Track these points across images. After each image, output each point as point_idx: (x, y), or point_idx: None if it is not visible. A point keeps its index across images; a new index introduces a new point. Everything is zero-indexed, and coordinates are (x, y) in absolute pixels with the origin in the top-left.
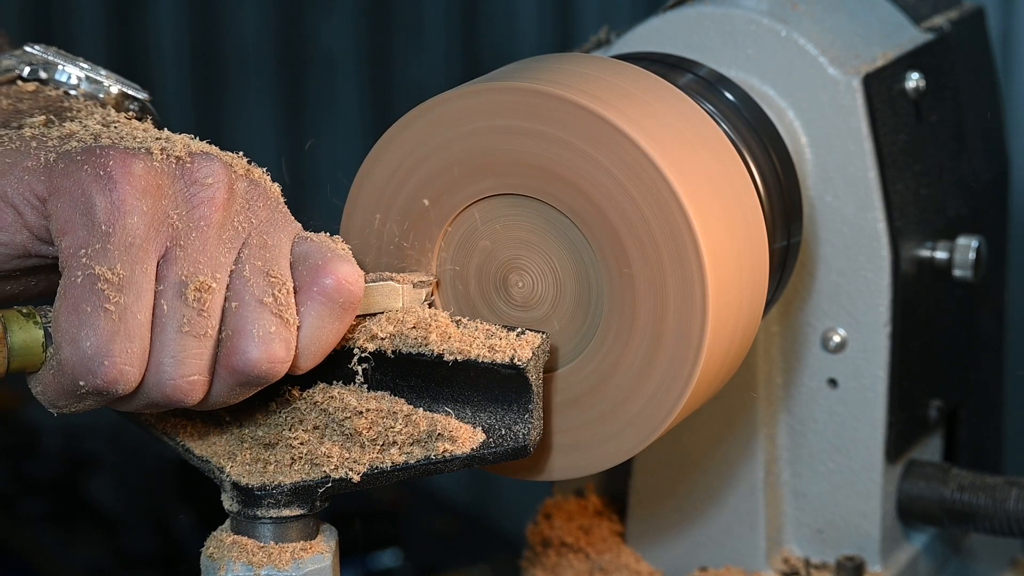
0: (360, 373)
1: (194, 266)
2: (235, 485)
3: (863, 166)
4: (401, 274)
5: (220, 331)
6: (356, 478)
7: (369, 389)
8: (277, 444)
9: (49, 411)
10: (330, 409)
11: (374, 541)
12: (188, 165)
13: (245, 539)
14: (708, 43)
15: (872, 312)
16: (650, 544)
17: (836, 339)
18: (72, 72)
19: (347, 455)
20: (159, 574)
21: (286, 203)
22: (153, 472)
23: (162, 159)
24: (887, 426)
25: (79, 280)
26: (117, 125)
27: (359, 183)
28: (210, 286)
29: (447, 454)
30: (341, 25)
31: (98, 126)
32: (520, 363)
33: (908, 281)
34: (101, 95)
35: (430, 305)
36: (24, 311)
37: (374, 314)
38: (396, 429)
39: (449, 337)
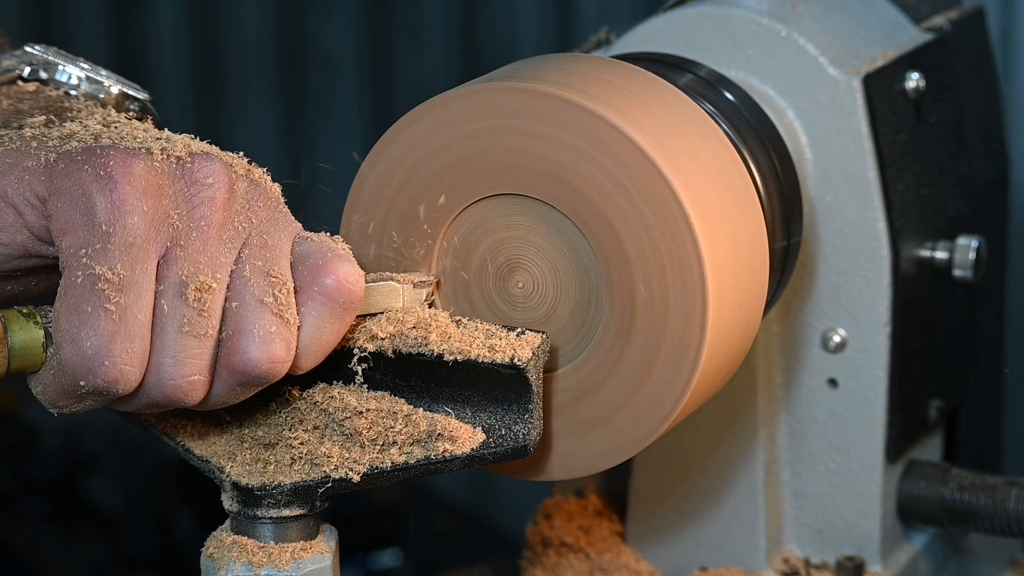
0: (360, 373)
1: (194, 266)
2: (235, 485)
3: (863, 166)
4: (401, 274)
5: (220, 331)
6: (356, 478)
7: (369, 389)
8: (277, 444)
9: (49, 411)
10: (330, 409)
11: (374, 541)
12: (188, 165)
13: (245, 539)
14: (708, 43)
15: (872, 312)
16: (650, 544)
17: (836, 339)
18: (72, 72)
19: (347, 455)
20: (159, 574)
21: (286, 203)
22: (153, 472)
23: (162, 159)
24: (887, 426)
25: (79, 280)
26: (117, 125)
27: (359, 183)
28: (210, 286)
29: (447, 454)
30: (341, 25)
31: (98, 126)
32: (520, 363)
33: (908, 281)
34: (101, 95)
35: (430, 305)
36: (24, 311)
37: (374, 314)
38: (396, 429)
39: (449, 337)
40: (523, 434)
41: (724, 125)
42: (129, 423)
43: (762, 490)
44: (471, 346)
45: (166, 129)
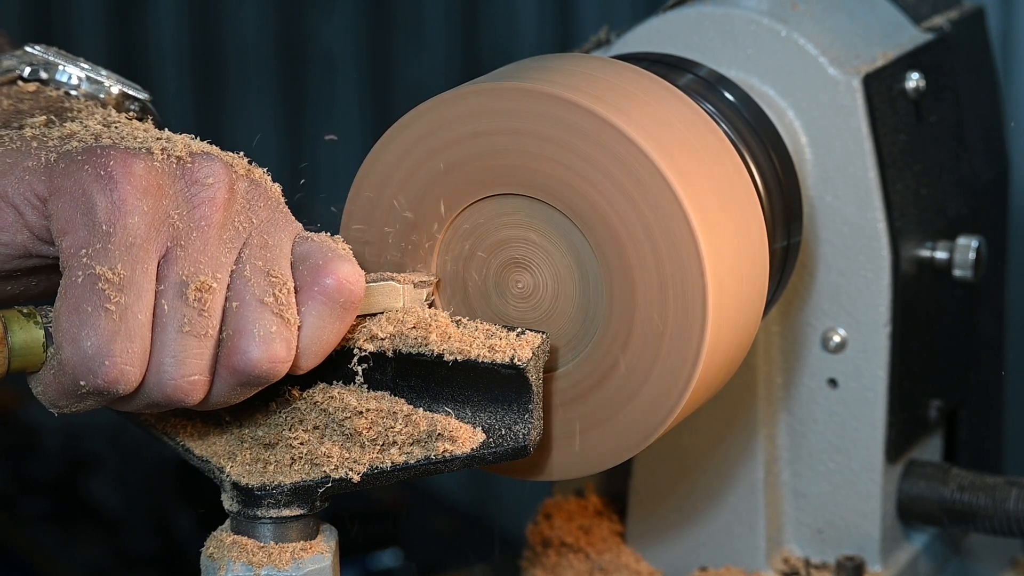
0: (360, 373)
1: (195, 266)
2: (235, 485)
3: (863, 166)
4: (402, 274)
5: (221, 331)
6: (356, 478)
7: (369, 389)
8: (277, 444)
9: (49, 411)
10: (330, 409)
11: (374, 541)
12: (189, 165)
13: (245, 539)
14: (708, 43)
15: (872, 312)
16: (650, 544)
17: (836, 339)
18: (73, 72)
19: (347, 455)
20: (159, 574)
21: (286, 203)
22: (153, 472)
23: (163, 159)
24: (887, 426)
25: (80, 280)
26: (118, 125)
27: (359, 183)
28: (211, 286)
29: (447, 454)
30: (341, 25)
31: (99, 126)
32: (520, 363)
33: (908, 281)
34: (102, 95)
35: (430, 305)
36: (25, 311)
37: (375, 314)
38: (396, 429)
39: (449, 337)
40: (523, 434)
41: (724, 125)
42: (129, 423)
43: (762, 490)
44: (471, 346)
45: (166, 129)
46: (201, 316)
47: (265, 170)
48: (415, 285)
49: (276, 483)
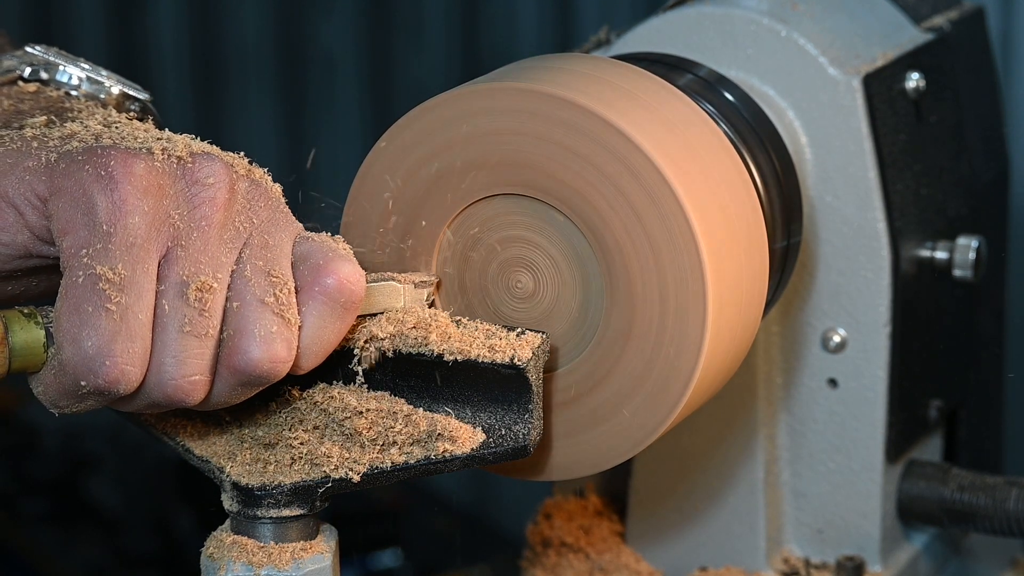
0: (360, 373)
1: (195, 266)
2: (235, 485)
3: (863, 166)
4: (402, 274)
5: (221, 331)
6: (356, 478)
7: (369, 389)
8: (277, 444)
9: (50, 411)
10: (330, 409)
11: (374, 541)
12: (189, 165)
13: (245, 539)
14: (708, 43)
15: (872, 312)
16: (650, 544)
17: (836, 339)
18: (73, 73)
19: (347, 455)
20: (159, 574)
21: (287, 203)
22: (153, 472)
23: (163, 159)
24: (887, 426)
25: (80, 280)
26: (118, 125)
27: (359, 183)
28: (211, 286)
29: (447, 454)
30: (341, 25)
31: (99, 126)
32: (520, 363)
33: (908, 281)
34: (102, 96)
35: (431, 305)
36: (25, 311)
37: (375, 314)
38: (396, 429)
39: (449, 337)
40: (523, 434)
41: (724, 125)
42: (129, 423)
43: (762, 490)
44: (471, 346)
45: (167, 130)
46: (202, 316)
47: (266, 170)
48: (416, 285)
49: (276, 483)
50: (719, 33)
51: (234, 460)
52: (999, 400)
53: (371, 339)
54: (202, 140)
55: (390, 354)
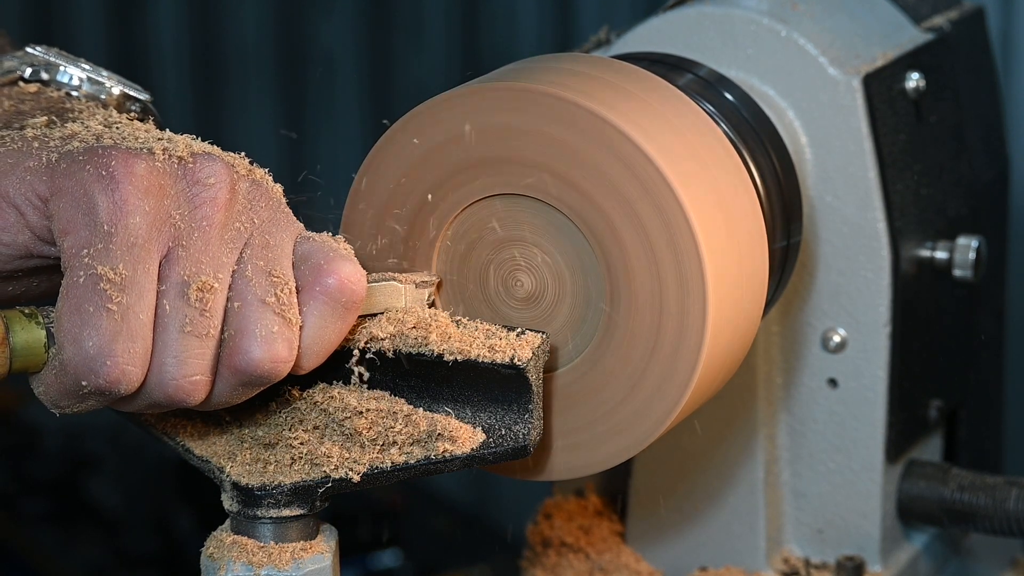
0: (360, 373)
1: (196, 266)
2: (235, 485)
3: (863, 166)
4: (403, 274)
5: (222, 331)
6: (356, 478)
7: (369, 389)
8: (277, 444)
9: (51, 411)
10: (330, 409)
11: (374, 541)
12: (190, 165)
13: (245, 539)
14: (708, 43)
15: (872, 312)
16: (650, 544)
17: (836, 339)
18: (74, 73)
19: (347, 455)
20: (159, 574)
21: (288, 203)
22: (153, 472)
23: (164, 159)
24: (887, 426)
25: (81, 280)
26: (119, 126)
27: (359, 183)
28: (212, 286)
29: (447, 454)
30: (341, 25)
31: (100, 127)
32: (520, 363)
33: (908, 281)
34: (103, 96)
35: (431, 305)
36: (26, 311)
37: (376, 314)
38: (396, 429)
39: (449, 337)
40: (523, 434)
41: (724, 125)
42: (129, 423)
43: (762, 490)
44: (471, 346)
45: (167, 130)
46: (203, 316)
47: (266, 170)
48: (416, 285)
49: (276, 483)
50: (719, 33)
51: (234, 460)
52: (999, 400)
53: (371, 339)
54: (202, 140)
55: (390, 354)
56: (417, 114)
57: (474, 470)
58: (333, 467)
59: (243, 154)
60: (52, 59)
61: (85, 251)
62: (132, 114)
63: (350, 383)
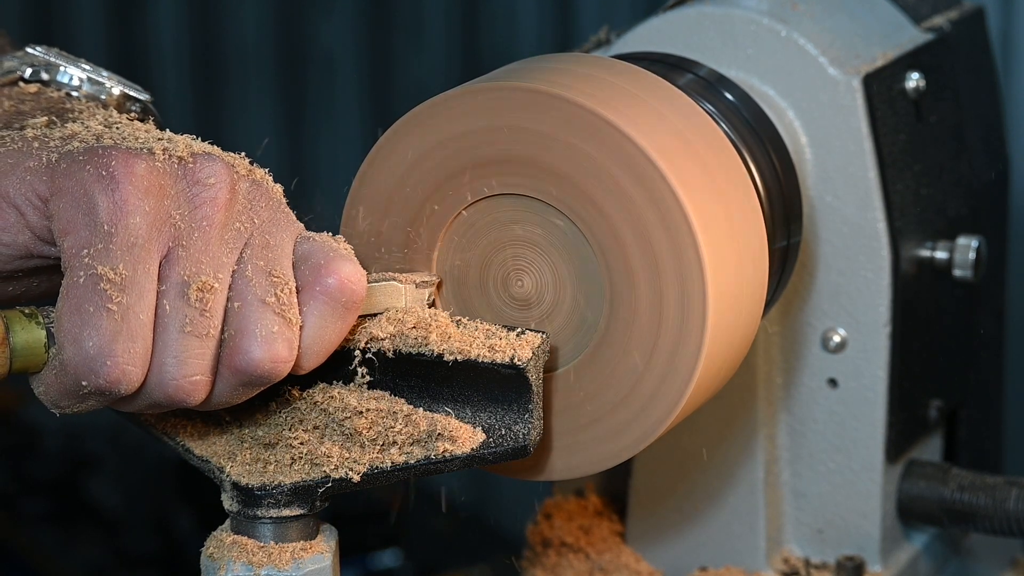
0: (361, 373)
1: (196, 266)
2: (235, 485)
3: (863, 166)
4: (403, 274)
5: (223, 331)
6: (356, 478)
7: (369, 389)
8: (277, 444)
9: (51, 411)
10: (330, 409)
11: (374, 541)
12: (190, 165)
13: (245, 539)
14: (708, 43)
15: (872, 312)
16: (650, 544)
17: (836, 339)
18: (74, 73)
19: (347, 455)
20: (159, 574)
21: (288, 204)
22: (153, 472)
23: (164, 159)
24: (887, 426)
25: (81, 280)
26: (119, 126)
27: (359, 183)
28: (212, 286)
29: (447, 454)
30: (341, 25)
31: (100, 127)
32: (520, 363)
33: (908, 281)
34: (103, 96)
35: (431, 305)
36: (26, 311)
37: (376, 314)
38: (396, 429)
39: (449, 337)
40: (523, 434)
41: (724, 125)
42: (129, 423)
43: (762, 490)
44: (471, 346)
45: (167, 130)
46: (203, 316)
47: (267, 170)
48: (417, 285)
49: (276, 483)
50: (719, 33)
51: (234, 460)
52: (999, 400)
53: (371, 339)
54: (203, 140)
55: (390, 354)
56: (417, 114)
57: (474, 470)
58: (333, 467)
59: (243, 154)
60: (52, 59)
61: (85, 251)
62: (132, 114)
63: (350, 383)
